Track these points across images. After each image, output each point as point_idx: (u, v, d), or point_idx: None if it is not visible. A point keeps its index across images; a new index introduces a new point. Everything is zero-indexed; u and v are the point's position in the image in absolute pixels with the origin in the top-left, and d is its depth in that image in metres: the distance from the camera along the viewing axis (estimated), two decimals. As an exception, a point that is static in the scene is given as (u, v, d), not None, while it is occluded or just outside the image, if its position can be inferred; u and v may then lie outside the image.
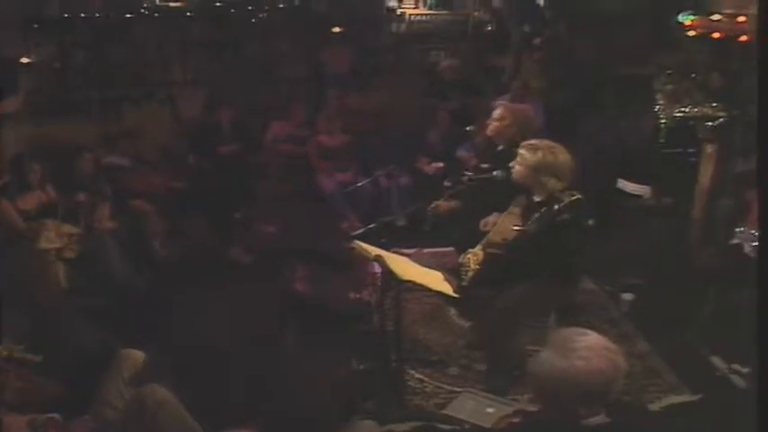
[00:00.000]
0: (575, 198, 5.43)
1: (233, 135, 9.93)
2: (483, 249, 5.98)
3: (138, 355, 4.89)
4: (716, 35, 6.93)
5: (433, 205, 6.69)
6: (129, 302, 7.03)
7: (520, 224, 5.78)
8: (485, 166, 6.91)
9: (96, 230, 7.70)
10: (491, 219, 6.43)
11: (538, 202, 5.69)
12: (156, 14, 12.94)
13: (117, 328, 5.98)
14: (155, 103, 11.22)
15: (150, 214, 8.29)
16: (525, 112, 7.42)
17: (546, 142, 5.79)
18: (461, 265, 6.03)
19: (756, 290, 3.14)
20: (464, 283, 5.89)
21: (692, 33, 7.18)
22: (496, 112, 7.15)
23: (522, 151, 5.76)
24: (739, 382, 5.94)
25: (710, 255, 7.15)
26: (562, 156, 5.67)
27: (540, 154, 5.64)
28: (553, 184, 5.59)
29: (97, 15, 11.73)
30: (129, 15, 12.64)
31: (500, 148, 7.04)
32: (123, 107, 10.91)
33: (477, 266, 5.90)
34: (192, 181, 9.31)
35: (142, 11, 12.85)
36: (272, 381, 5.75)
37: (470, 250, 6.04)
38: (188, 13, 13.16)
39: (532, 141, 5.82)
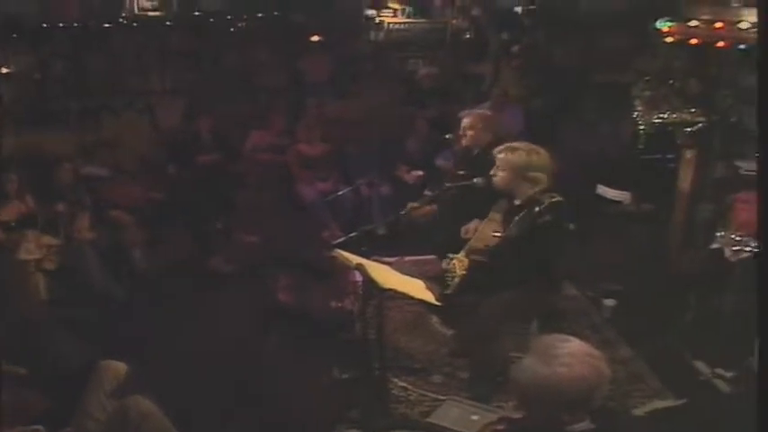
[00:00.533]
0: (555, 200, 5.47)
1: (212, 144, 9.89)
2: (467, 256, 5.98)
3: (120, 366, 4.84)
4: (693, 41, 6.96)
5: (408, 207, 6.65)
6: (109, 314, 6.99)
7: (501, 230, 5.79)
8: (463, 173, 6.92)
9: (76, 241, 7.65)
10: (471, 226, 6.43)
11: (518, 206, 5.70)
12: (135, 24, 12.86)
13: (98, 340, 5.94)
14: (134, 112, 11.18)
15: (130, 225, 8.24)
16: (494, 118, 7.50)
17: (524, 143, 5.88)
18: (446, 271, 6.02)
19: (756, 293, 3.13)
20: (450, 290, 5.88)
21: (669, 40, 7.21)
22: (466, 122, 7.25)
23: (501, 155, 5.77)
24: (723, 386, 5.95)
25: (691, 259, 7.16)
26: (542, 155, 5.72)
27: (520, 153, 5.69)
28: (534, 184, 5.62)
29: (76, 25, 11.67)
30: (107, 25, 12.56)
31: (475, 152, 7.07)
32: (102, 117, 10.85)
33: (464, 272, 5.89)
34: (171, 191, 9.25)
35: (121, 20, 12.76)
36: (255, 391, 5.73)
37: (454, 256, 6.03)
38: (167, 23, 13.09)
39: (509, 144, 5.87)
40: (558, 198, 5.48)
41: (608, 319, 7.19)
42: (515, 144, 5.82)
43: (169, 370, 5.82)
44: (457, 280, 5.88)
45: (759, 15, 4.20)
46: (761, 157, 3.30)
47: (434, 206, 7.25)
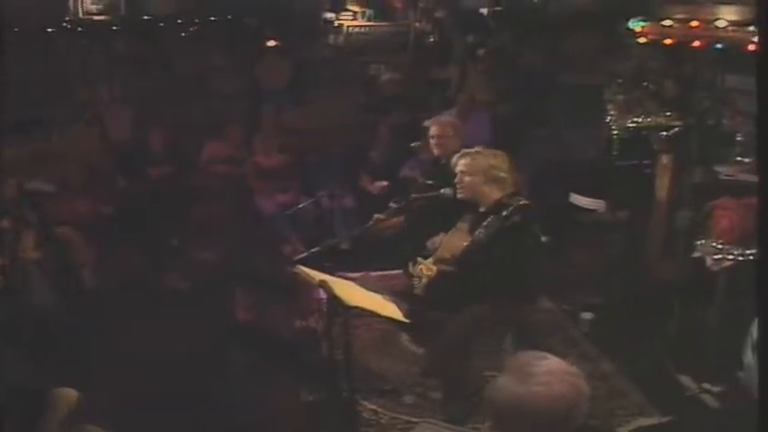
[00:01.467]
0: (523, 203, 5.54)
1: (165, 156, 9.82)
2: (434, 264, 5.99)
3: (71, 393, 4.79)
4: (668, 41, 7.00)
5: (373, 219, 6.64)
6: (58, 338, 6.91)
7: (468, 238, 5.80)
8: (430, 183, 6.92)
9: (21, 260, 7.55)
10: (438, 238, 6.45)
11: (485, 213, 5.74)
12: (80, 29, 12.70)
13: (47, 365, 5.87)
14: (80, 123, 11.07)
15: (78, 242, 8.16)
16: (458, 123, 7.58)
17: (480, 148, 5.97)
18: (413, 276, 6.04)
19: (756, 296, 3.14)
20: (417, 292, 5.90)
21: (642, 40, 7.25)
22: (435, 129, 7.30)
23: (462, 160, 5.85)
24: (711, 401, 5.97)
25: (671, 269, 7.19)
26: (501, 158, 5.81)
27: (480, 158, 5.78)
28: (500, 186, 5.70)
29: (16, 30, 11.53)
30: (50, 30, 12.41)
31: (443, 162, 7.08)
32: (46, 128, 10.75)
33: (430, 274, 5.90)
34: (122, 206, 9.17)
35: (64, 24, 12.61)
36: (215, 415, 5.69)
37: (421, 261, 6.04)
38: (114, 27, 12.94)
39: (466, 150, 5.99)
40: (525, 201, 5.55)
41: (586, 333, 7.21)
42: (471, 150, 5.95)
43: (123, 396, 5.77)
44: (425, 281, 5.92)
45: (759, 14, 4.22)
46: (761, 157, 3.31)
47: (401, 218, 7.23)
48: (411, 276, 6.07)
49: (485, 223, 5.59)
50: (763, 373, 3.16)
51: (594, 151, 8.83)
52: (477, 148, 5.92)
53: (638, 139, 7.60)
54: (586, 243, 8.12)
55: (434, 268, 5.93)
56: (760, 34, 3.78)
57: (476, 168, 5.73)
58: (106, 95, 12.46)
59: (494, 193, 5.69)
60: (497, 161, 5.74)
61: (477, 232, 5.64)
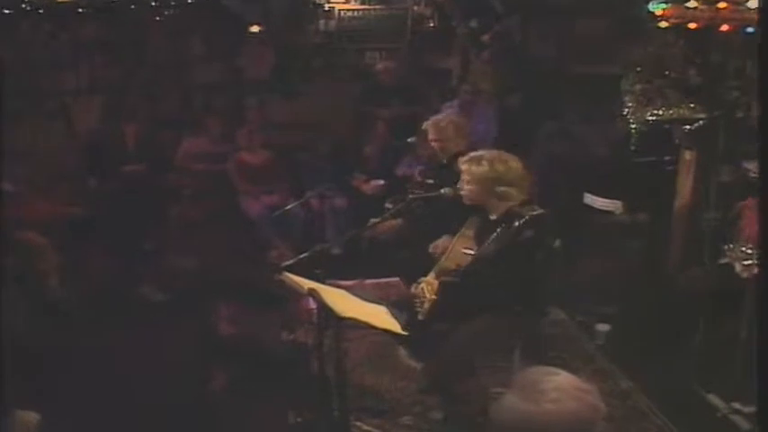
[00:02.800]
0: (537, 213, 5.36)
1: (139, 153, 9.80)
2: (437, 278, 5.95)
3: (31, 417, 4.79)
4: (692, 25, 6.98)
5: (370, 223, 6.64)
6: (21, 353, 6.88)
7: (475, 248, 5.75)
8: (431, 182, 6.92)
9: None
10: (441, 242, 6.42)
11: (494, 221, 5.64)
12: (41, 11, 12.62)
13: (4, 385, 5.86)
14: (44, 115, 11.06)
15: (43, 248, 8.14)
16: (466, 122, 7.52)
17: (490, 152, 5.83)
18: (414, 296, 5.97)
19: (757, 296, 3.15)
20: (420, 317, 5.84)
21: (664, 24, 7.23)
22: (435, 126, 7.29)
23: (465, 166, 5.74)
24: (742, 423, 5.94)
25: (696, 277, 7.17)
26: (513, 163, 5.66)
27: (485, 165, 5.62)
28: (509, 197, 5.59)
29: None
30: (7, 11, 12.31)
31: (444, 161, 7.08)
32: (6, 121, 10.72)
33: (434, 296, 5.85)
34: (91, 207, 9.16)
35: (24, 6, 12.51)
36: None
37: (423, 279, 6.00)
38: (80, 10, 12.86)
39: (473, 153, 5.84)
40: (539, 211, 5.40)
41: (602, 346, 7.22)
42: (480, 153, 5.78)
43: (90, 420, 5.76)
44: (427, 305, 5.82)
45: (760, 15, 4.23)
46: (761, 157, 3.33)
47: (398, 221, 7.24)
48: (413, 296, 6.02)
49: (494, 235, 5.45)
50: (764, 373, 3.16)
51: (610, 147, 8.84)
52: (482, 153, 5.81)
53: (659, 134, 7.59)
54: (602, 248, 8.12)
55: (436, 284, 5.88)
56: (760, 33, 3.78)
57: (478, 177, 5.63)
58: (72, 85, 12.41)
59: (503, 203, 5.61)
60: (503, 170, 5.59)
61: (484, 245, 5.56)
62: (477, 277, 5.60)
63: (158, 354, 6.84)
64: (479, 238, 5.78)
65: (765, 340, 3.16)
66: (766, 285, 3.22)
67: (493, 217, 5.68)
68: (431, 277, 5.96)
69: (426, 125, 7.50)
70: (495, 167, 5.59)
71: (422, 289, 5.91)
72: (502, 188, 5.57)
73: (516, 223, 5.28)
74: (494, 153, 5.76)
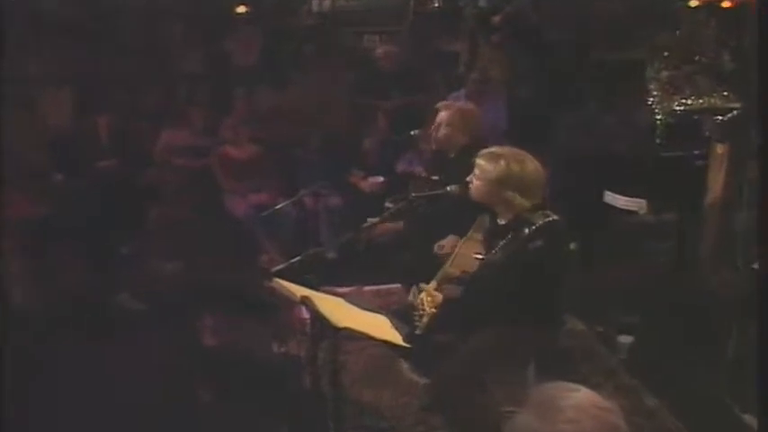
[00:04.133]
0: (549, 220, 5.30)
1: (113, 146, 9.81)
2: (439, 286, 5.95)
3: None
4: (726, 4, 6.98)
5: (368, 224, 6.63)
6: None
7: (482, 253, 5.73)
8: (435, 178, 6.92)
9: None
10: (447, 241, 6.44)
11: (503, 226, 5.61)
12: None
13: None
14: (6, 106, 11.04)
15: (5, 251, 8.16)
16: (476, 114, 7.45)
17: (509, 149, 5.72)
18: (413, 307, 5.97)
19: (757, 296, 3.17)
20: (418, 331, 5.83)
21: (694, 3, 7.23)
22: (441, 117, 7.19)
23: (480, 161, 5.68)
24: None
25: (727, 282, 7.18)
26: (531, 165, 5.59)
27: (502, 164, 5.53)
28: (520, 201, 5.52)
29: None
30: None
31: (451, 156, 7.07)
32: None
33: (434, 309, 5.83)
34: (61, 207, 9.15)
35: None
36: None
37: (423, 287, 5.99)
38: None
39: (492, 149, 5.76)
40: (552, 218, 5.36)
41: (624, 360, 7.21)
42: (498, 150, 5.69)
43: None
44: (426, 319, 5.79)
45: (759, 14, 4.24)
46: (761, 156, 3.35)
47: (399, 222, 7.24)
48: (412, 308, 6.00)
49: (503, 242, 5.39)
50: (764, 373, 3.17)
51: (634, 140, 8.83)
52: (500, 150, 5.77)
53: (688, 125, 7.60)
54: (624, 251, 8.13)
55: (438, 295, 5.87)
56: (760, 34, 3.81)
57: (489, 177, 5.57)
58: (39, 73, 12.39)
59: (514, 207, 5.58)
60: (524, 169, 5.52)
61: (492, 252, 5.53)
62: (483, 288, 5.60)
63: (136, 368, 6.84)
64: (488, 243, 5.75)
65: (765, 340, 3.18)
66: (766, 285, 3.24)
67: (502, 221, 5.65)
68: (432, 286, 5.94)
69: (441, 105, 7.47)
70: (511, 169, 5.51)
71: (421, 300, 5.88)
72: (510, 193, 5.50)
73: (526, 231, 5.24)
74: (514, 153, 5.65)
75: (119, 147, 9.82)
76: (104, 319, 7.94)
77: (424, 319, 5.78)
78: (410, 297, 6.07)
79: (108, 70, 11.77)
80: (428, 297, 5.86)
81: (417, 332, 5.75)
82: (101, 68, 11.84)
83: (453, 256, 6.13)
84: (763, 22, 3.95)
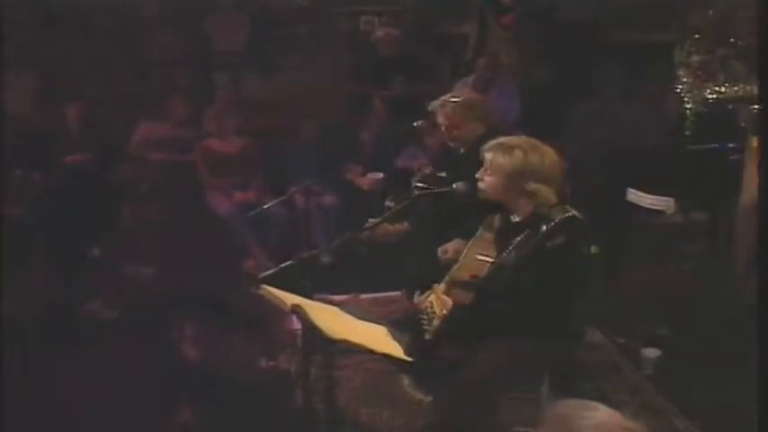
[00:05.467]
0: (569, 215, 5.27)
1: (84, 139, 9.81)
2: (448, 290, 5.90)
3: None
4: (764, -21, 6.95)
5: (367, 225, 6.60)
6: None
7: (493, 255, 5.70)
8: (441, 175, 6.89)
9: None
10: (452, 245, 6.43)
11: (517, 223, 5.58)
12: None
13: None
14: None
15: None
16: (486, 103, 7.43)
17: (524, 139, 5.65)
18: (421, 311, 5.93)
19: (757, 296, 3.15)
20: (427, 336, 5.79)
21: (729, -22, 7.21)
22: (440, 117, 7.19)
23: (490, 154, 5.61)
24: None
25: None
26: (548, 157, 5.52)
27: (518, 154, 5.45)
28: (546, 193, 5.46)
29: None
30: None
31: (462, 151, 7.04)
32: None
33: (444, 312, 5.77)
34: (26, 205, 9.14)
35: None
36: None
37: (435, 286, 5.93)
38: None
39: (501, 140, 5.69)
40: (572, 213, 5.34)
41: (650, 376, 7.18)
42: (510, 140, 5.62)
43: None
44: (436, 322, 5.73)
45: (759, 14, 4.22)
46: (762, 155, 3.35)
47: (401, 223, 7.22)
48: (418, 312, 5.96)
49: (516, 240, 5.38)
50: (764, 373, 3.15)
51: (660, 132, 8.82)
52: (513, 140, 5.71)
53: (721, 115, 7.57)
54: (650, 255, 8.10)
55: (450, 302, 5.82)
56: (760, 34, 3.81)
57: (504, 169, 5.47)
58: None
59: (530, 203, 5.52)
60: (542, 161, 5.48)
61: (504, 253, 5.51)
62: (495, 293, 5.55)
63: (108, 385, 6.81)
64: (499, 244, 5.70)
65: (766, 340, 3.17)
66: (766, 286, 3.23)
67: (516, 219, 5.59)
68: (441, 288, 5.90)
69: (434, 105, 7.45)
70: (530, 159, 5.42)
71: (430, 302, 5.84)
72: (533, 185, 5.41)
73: (544, 227, 5.20)
74: (528, 141, 5.58)
75: (89, 139, 9.81)
76: (72, 329, 7.91)
77: (435, 323, 5.65)
78: (415, 299, 6.04)
79: (77, 53, 11.76)
80: (437, 299, 5.75)
81: (427, 337, 5.71)
82: (69, 51, 11.84)
83: (462, 257, 6.08)
84: (763, 22, 3.93)
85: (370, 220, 6.65)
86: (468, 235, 6.21)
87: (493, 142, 5.66)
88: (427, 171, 7.65)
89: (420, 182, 7.16)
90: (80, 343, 7.66)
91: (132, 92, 11.16)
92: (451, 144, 7.16)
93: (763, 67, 3.22)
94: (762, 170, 3.21)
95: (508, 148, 5.50)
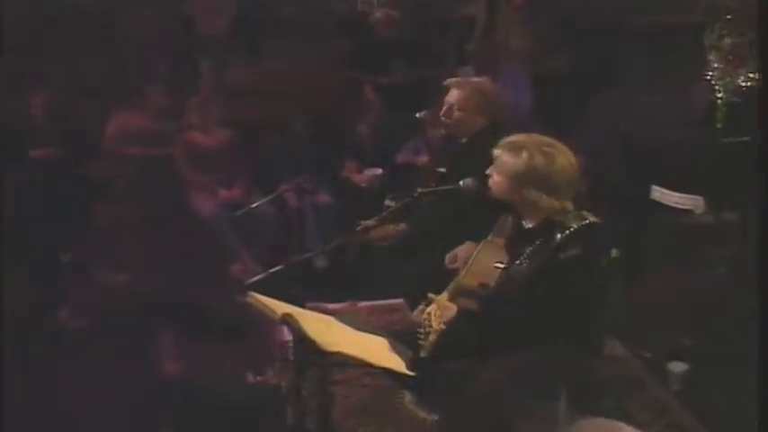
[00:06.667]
0: (586, 223, 5.26)
1: (52, 132, 9.80)
2: (452, 299, 5.88)
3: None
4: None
5: (364, 226, 6.59)
6: None
7: (505, 261, 5.66)
8: (444, 171, 6.88)
9: None
10: (461, 251, 6.43)
11: (530, 230, 5.54)
12: None
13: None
14: None
15: None
16: (495, 91, 7.38)
17: (535, 137, 5.57)
18: (417, 325, 5.91)
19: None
20: (422, 353, 5.77)
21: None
22: (452, 95, 7.12)
23: (499, 153, 5.59)
24: None
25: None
26: (561, 159, 5.46)
27: (524, 156, 5.40)
28: (547, 202, 5.40)
29: None
30: None
31: (463, 141, 7.02)
32: None
33: (442, 325, 5.75)
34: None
35: None
36: None
37: (432, 297, 5.91)
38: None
39: (514, 138, 5.63)
40: (590, 219, 5.31)
41: (677, 392, 7.17)
42: (521, 139, 5.55)
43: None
44: (432, 338, 5.69)
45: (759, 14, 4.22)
46: (761, 154, 3.36)
47: (401, 224, 7.21)
48: (415, 326, 5.93)
49: (529, 249, 5.39)
50: (763, 374, 3.16)
51: (688, 124, 8.80)
52: (524, 139, 5.65)
53: (755, 105, 7.55)
54: (676, 259, 8.09)
55: (454, 308, 5.79)
56: (760, 34, 3.83)
57: (517, 170, 5.41)
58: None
59: (542, 208, 5.47)
60: (554, 163, 5.42)
61: (515, 264, 5.50)
62: (506, 304, 5.52)
63: (79, 401, 6.80)
64: (512, 250, 5.68)
65: (766, 339, 3.20)
66: (766, 286, 3.25)
67: (529, 225, 5.56)
68: (443, 297, 5.87)
69: (450, 82, 7.39)
70: (534, 163, 5.37)
71: (428, 314, 5.80)
72: (533, 192, 5.38)
73: (558, 236, 5.21)
74: (539, 142, 5.49)
75: (58, 132, 9.80)
76: (40, 340, 7.90)
77: (430, 338, 5.66)
78: (413, 315, 6.02)
79: (43, 38, 11.75)
80: (436, 311, 5.73)
81: (421, 354, 5.69)
82: (33, 33, 11.81)
83: (470, 263, 6.06)
84: (763, 22, 3.92)
85: (367, 221, 6.64)
86: (478, 238, 6.20)
87: (506, 140, 5.61)
88: (428, 167, 7.63)
89: (420, 183, 7.15)
90: (47, 356, 7.65)
91: (106, 79, 11.14)
92: (455, 129, 7.12)
93: (764, 67, 3.22)
94: (762, 170, 3.21)
95: (517, 148, 5.46)
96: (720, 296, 7.76)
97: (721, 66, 7.40)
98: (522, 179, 5.39)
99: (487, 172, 5.67)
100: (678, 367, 7.24)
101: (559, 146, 5.48)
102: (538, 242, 5.35)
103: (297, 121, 10.32)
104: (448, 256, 6.43)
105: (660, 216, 8.34)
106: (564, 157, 5.41)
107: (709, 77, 7.50)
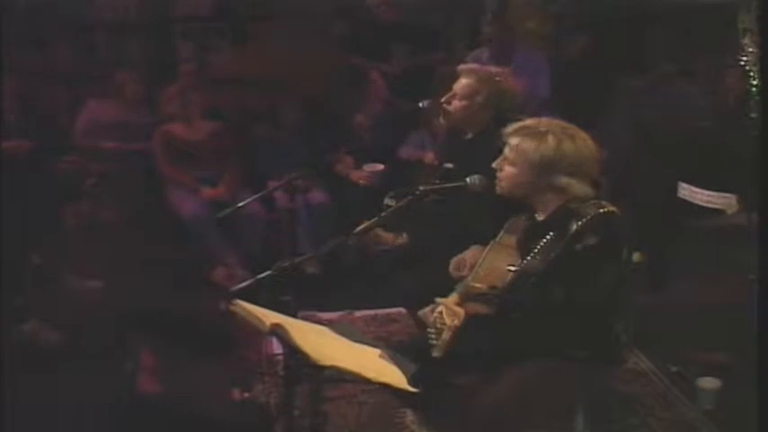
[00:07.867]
0: (605, 211, 5.29)
1: (18, 123, 9.82)
2: (461, 301, 5.88)
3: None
4: None
5: (362, 227, 6.60)
6: None
7: (517, 262, 5.66)
8: (449, 166, 6.90)
9: None
10: (468, 256, 6.45)
11: (542, 222, 5.58)
12: None
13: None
14: None
15: None
16: (505, 79, 7.38)
17: (556, 122, 5.62)
18: (428, 325, 5.90)
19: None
20: (435, 353, 5.77)
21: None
22: (461, 83, 7.15)
23: (515, 140, 5.59)
24: None
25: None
26: (581, 142, 5.50)
27: (550, 141, 5.41)
28: (579, 189, 5.41)
29: None
30: None
31: (469, 136, 7.03)
32: None
33: (456, 323, 5.75)
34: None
35: None
36: None
37: (442, 300, 5.90)
38: None
39: (529, 122, 5.65)
40: (607, 208, 5.34)
41: (709, 412, 7.18)
42: (537, 123, 5.60)
43: None
44: (446, 336, 5.73)
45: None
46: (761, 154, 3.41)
47: (402, 233, 7.22)
48: (424, 327, 5.95)
49: (543, 241, 5.41)
50: (764, 374, 3.19)
51: (720, 114, 8.82)
52: (540, 123, 5.67)
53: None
54: (706, 263, 8.09)
55: (462, 313, 5.80)
56: (760, 35, 3.88)
57: (536, 156, 5.41)
58: None
59: (559, 197, 5.49)
60: (575, 147, 5.45)
61: (530, 257, 5.51)
62: (519, 306, 5.53)
63: (51, 420, 6.81)
64: (524, 248, 5.69)
65: (766, 338, 3.25)
66: (766, 286, 3.31)
67: (541, 217, 5.59)
68: (453, 299, 5.87)
69: (463, 68, 7.39)
70: (564, 148, 5.40)
71: (439, 313, 5.80)
72: (563, 179, 5.40)
73: (574, 226, 5.24)
74: (561, 125, 5.54)
75: (25, 123, 9.81)
76: (7, 354, 7.91)
77: (444, 335, 5.56)
78: (420, 312, 6.02)
79: (11, 21, 11.76)
80: (448, 311, 5.66)
81: (435, 354, 5.69)
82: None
83: (478, 266, 6.07)
84: (763, 22, 3.94)
85: (365, 222, 6.65)
86: (485, 241, 6.22)
87: (518, 125, 5.61)
88: (434, 162, 7.65)
89: (424, 180, 7.17)
90: (13, 372, 7.66)
91: (75, 65, 11.16)
92: (461, 120, 7.13)
93: (764, 67, 3.24)
94: (762, 170, 3.23)
95: (538, 133, 5.46)
96: (754, 306, 7.78)
97: (756, 51, 7.41)
98: (549, 166, 5.40)
99: (494, 165, 5.68)
100: (710, 384, 7.23)
101: (578, 130, 5.52)
102: (552, 234, 5.36)
103: (288, 111, 10.32)
104: (453, 262, 6.43)
105: (688, 216, 8.35)
106: (583, 141, 5.47)
107: (743, 63, 7.50)
